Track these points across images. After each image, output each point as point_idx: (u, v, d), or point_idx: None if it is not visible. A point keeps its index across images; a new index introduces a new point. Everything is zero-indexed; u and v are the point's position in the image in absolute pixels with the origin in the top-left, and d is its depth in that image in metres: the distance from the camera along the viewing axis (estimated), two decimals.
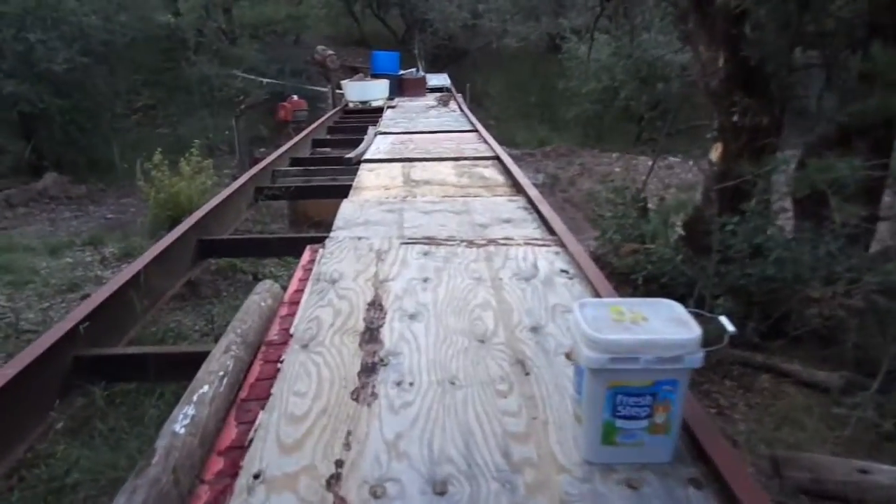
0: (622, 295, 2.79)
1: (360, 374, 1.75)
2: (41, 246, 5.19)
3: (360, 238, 2.80)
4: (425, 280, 2.35)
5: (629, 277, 4.89)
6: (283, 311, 2.16)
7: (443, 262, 2.52)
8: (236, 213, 3.79)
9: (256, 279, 3.82)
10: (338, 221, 3.13)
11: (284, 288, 2.36)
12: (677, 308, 1.44)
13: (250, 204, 4.08)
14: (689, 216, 5.20)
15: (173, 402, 1.98)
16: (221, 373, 1.62)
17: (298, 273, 2.49)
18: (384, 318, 2.07)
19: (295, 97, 13.30)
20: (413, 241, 2.75)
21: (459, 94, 11.17)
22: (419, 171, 4.44)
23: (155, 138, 13.53)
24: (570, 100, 13.32)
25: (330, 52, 15.19)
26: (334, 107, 10.05)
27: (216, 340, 2.17)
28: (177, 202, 5.30)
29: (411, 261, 2.54)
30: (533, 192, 3.55)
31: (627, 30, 10.53)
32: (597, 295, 2.22)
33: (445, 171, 4.43)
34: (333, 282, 2.35)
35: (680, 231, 5.42)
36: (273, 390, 1.67)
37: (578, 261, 2.52)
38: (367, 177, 4.28)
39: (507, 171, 4.34)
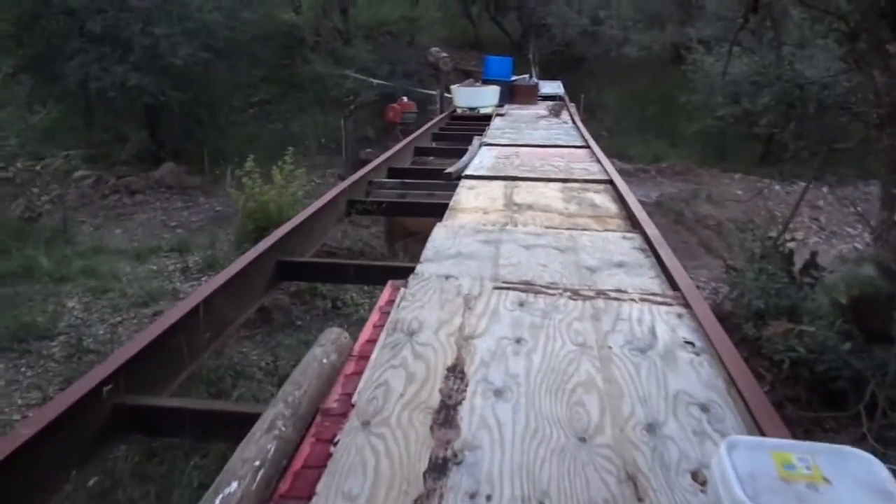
0: (759, 381, 2.30)
1: (427, 473, 1.40)
2: (130, 249, 5.20)
3: (448, 277, 2.46)
4: (518, 341, 1.98)
5: (771, 357, 4.19)
6: (350, 367, 1.85)
7: (541, 318, 2.14)
8: (323, 229, 3.56)
9: (335, 307, 3.60)
10: (426, 251, 2.81)
11: (358, 333, 2.06)
12: (876, 466, 1.00)
13: (340, 219, 3.85)
14: (859, 291, 4.33)
15: (218, 465, 1.72)
16: (258, 462, 1.32)
17: (374, 317, 2.18)
18: (465, 391, 1.71)
19: (405, 99, 13.24)
20: (508, 287, 2.38)
21: (573, 104, 10.67)
22: (523, 192, 4.06)
23: (268, 133, 13.88)
24: (692, 114, 12.47)
25: (443, 54, 15.03)
26: (442, 111, 9.83)
27: (279, 385, 1.90)
28: (265, 212, 5.17)
29: (504, 312, 2.17)
30: (651, 231, 3.09)
31: (774, 45, 9.58)
32: (732, 384, 1.77)
33: (551, 194, 4.03)
34: (412, 333, 2.02)
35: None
36: (318, 488, 1.35)
37: (707, 330, 2.06)
38: (465, 196, 3.95)
39: (621, 199, 3.88)
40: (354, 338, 2.05)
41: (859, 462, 1.01)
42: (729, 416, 1.64)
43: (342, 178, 12.39)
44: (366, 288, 3.91)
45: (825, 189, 11.26)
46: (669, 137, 13.75)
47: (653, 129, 14.14)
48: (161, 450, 2.12)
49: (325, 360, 1.77)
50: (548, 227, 3.22)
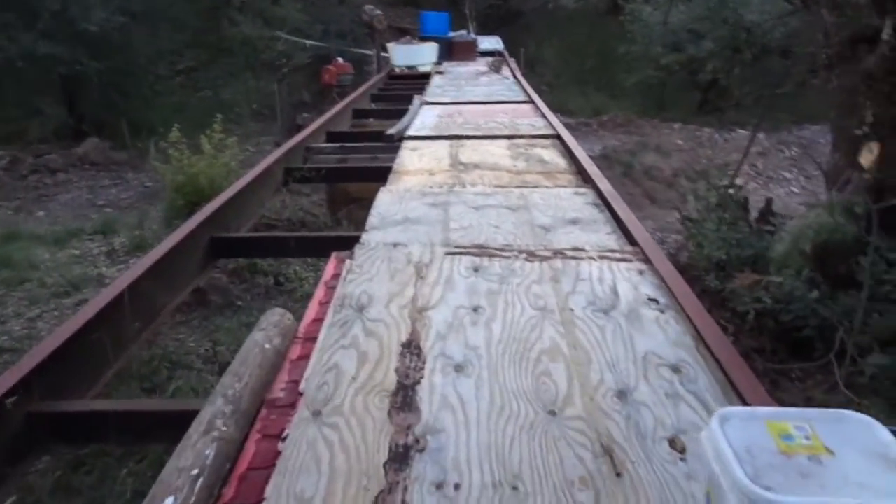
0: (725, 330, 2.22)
1: (387, 464, 1.27)
2: (49, 233, 4.80)
3: (396, 245, 2.31)
4: (475, 309, 1.86)
5: (734, 308, 4.07)
6: (296, 351, 1.70)
7: (498, 283, 2.02)
8: (260, 201, 3.34)
9: (278, 283, 3.40)
10: (371, 218, 2.65)
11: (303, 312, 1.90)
12: (878, 430, 0.92)
13: (278, 189, 3.63)
14: (822, 239, 4.18)
15: (155, 470, 1.56)
16: (195, 470, 1.17)
17: (319, 293, 2.02)
18: (423, 368, 1.59)
19: (340, 60, 12.79)
20: (461, 252, 2.25)
21: (513, 59, 10.50)
22: (468, 151, 3.91)
23: (197, 102, 13.24)
24: (631, 66, 12.46)
25: (378, 11, 14.56)
26: (379, 71, 9.52)
27: (220, 373, 1.74)
28: (196, 186, 4.84)
29: (458, 279, 2.05)
30: (604, 185, 3.00)
31: None
32: (701, 341, 1.69)
33: (498, 151, 3.89)
34: (361, 309, 1.87)
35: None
36: (267, 491, 1.21)
37: (670, 285, 1.99)
38: (409, 157, 3.78)
39: (569, 154, 3.78)
40: (300, 318, 1.89)
41: (859, 427, 0.92)
42: (701, 375, 1.56)
43: (278, 146, 11.94)
44: (310, 261, 3.71)
45: (761, 135, 11.46)
46: (609, 90, 13.73)
47: (592, 81, 14.09)
48: (89, 457, 1.93)
49: (267, 346, 1.61)
50: (497, 186, 3.09)
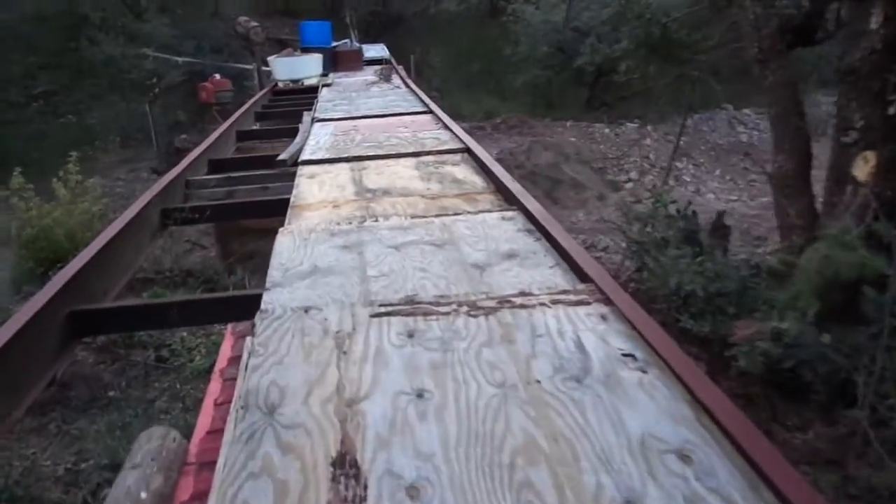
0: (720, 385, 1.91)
1: None
2: None
3: (307, 309, 1.88)
4: (420, 395, 1.47)
5: (721, 354, 3.66)
6: (187, 490, 1.25)
7: (440, 351, 1.64)
8: (132, 254, 2.79)
9: (160, 359, 2.84)
10: (272, 272, 2.20)
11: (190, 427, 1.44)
12: None
13: (155, 235, 3.08)
14: (853, 276, 3.54)
15: None
16: None
17: (214, 388, 1.57)
18: (364, 499, 1.18)
19: (217, 76, 12.02)
20: (388, 311, 1.85)
21: (401, 66, 10.16)
22: (373, 174, 3.51)
23: (59, 129, 12.06)
24: (518, 67, 12.44)
25: (254, 23, 13.84)
26: (261, 87, 8.90)
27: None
28: (51, 240, 4.08)
29: (391, 351, 1.65)
30: (533, 205, 2.69)
31: None
32: (701, 408, 1.38)
33: (406, 172, 3.51)
34: (272, 410, 1.44)
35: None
36: None
37: (644, 333, 1.68)
38: (307, 187, 3.33)
39: (484, 170, 3.46)
40: (190, 428, 1.44)
41: None
42: (717, 463, 1.25)
43: (156, 172, 11.04)
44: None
45: (649, 127, 11.74)
46: (498, 92, 13.69)
47: (481, 84, 14.01)
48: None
49: (143, 495, 1.16)
50: (414, 217, 2.71)
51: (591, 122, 12.03)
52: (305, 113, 5.67)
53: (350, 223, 2.66)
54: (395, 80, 8.40)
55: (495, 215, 2.70)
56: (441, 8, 15.03)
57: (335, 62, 10.04)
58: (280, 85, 8.25)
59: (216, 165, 4.30)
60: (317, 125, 5.20)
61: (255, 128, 5.97)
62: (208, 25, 13.51)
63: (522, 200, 2.77)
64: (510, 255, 2.28)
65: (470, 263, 2.22)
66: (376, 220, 2.68)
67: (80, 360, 2.82)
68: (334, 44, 10.82)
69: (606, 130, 11.66)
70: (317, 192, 3.22)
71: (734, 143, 11.56)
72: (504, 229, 2.53)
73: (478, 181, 3.31)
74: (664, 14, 7.59)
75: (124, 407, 2.51)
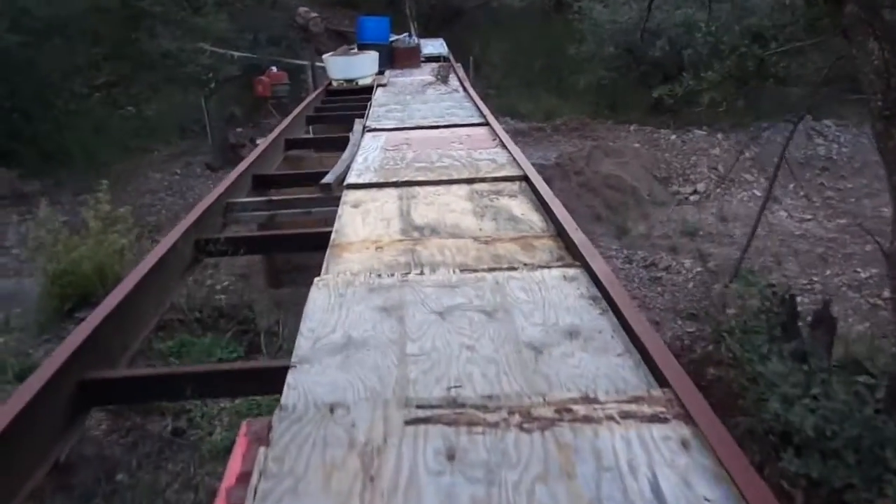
0: None
1: None
2: None
3: (332, 408, 1.61)
4: None
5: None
6: None
7: (485, 483, 1.36)
8: (158, 298, 2.60)
9: (177, 434, 2.64)
10: (301, 341, 1.95)
11: None
12: None
13: (185, 271, 2.88)
14: None
15: None
16: None
17: None
18: None
19: (274, 69, 11.96)
20: (426, 417, 1.57)
21: (459, 64, 9.85)
22: (422, 204, 3.24)
23: (118, 120, 12.20)
24: (581, 66, 11.96)
25: (313, 14, 13.77)
26: (315, 84, 8.75)
27: None
28: (79, 274, 3.86)
29: (426, 481, 1.37)
30: (598, 264, 2.37)
31: None
32: None
33: (459, 204, 3.23)
34: None
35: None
36: None
37: (734, 474, 1.35)
38: (350, 219, 3.08)
39: (544, 206, 3.14)
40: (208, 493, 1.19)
41: None
42: None
43: (210, 168, 11.04)
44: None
45: (719, 135, 11.13)
46: (559, 91, 13.24)
47: (541, 83, 13.56)
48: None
49: None
50: (464, 269, 2.42)
51: (656, 126, 11.48)
52: (357, 120, 5.44)
53: (392, 274, 2.40)
54: (453, 81, 8.10)
55: (555, 273, 2.38)
56: (503, 2, 14.63)
57: (392, 59, 9.80)
58: (334, 84, 8.06)
59: (260, 182, 4.10)
60: (368, 136, 4.96)
61: (304, 136, 5.77)
62: (267, 17, 13.45)
63: (587, 256, 2.45)
64: (572, 333, 1.97)
65: (524, 342, 1.92)
66: (421, 273, 2.40)
67: (89, 430, 2.64)
68: (392, 38, 10.59)
69: (673, 137, 11.10)
70: (359, 227, 2.97)
71: (811, 156, 10.85)
72: (565, 293, 2.22)
73: (536, 221, 3.00)
74: (761, 47, 6.97)
75: (132, 492, 2.30)
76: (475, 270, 2.41)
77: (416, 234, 2.85)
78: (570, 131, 11.55)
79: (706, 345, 4.55)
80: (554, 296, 2.20)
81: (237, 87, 11.93)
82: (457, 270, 2.42)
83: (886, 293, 7.18)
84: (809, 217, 9.54)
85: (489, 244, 2.72)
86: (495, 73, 13.92)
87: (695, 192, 9.80)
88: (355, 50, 9.71)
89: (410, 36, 11.57)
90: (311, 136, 5.95)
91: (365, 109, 6.18)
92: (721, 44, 9.01)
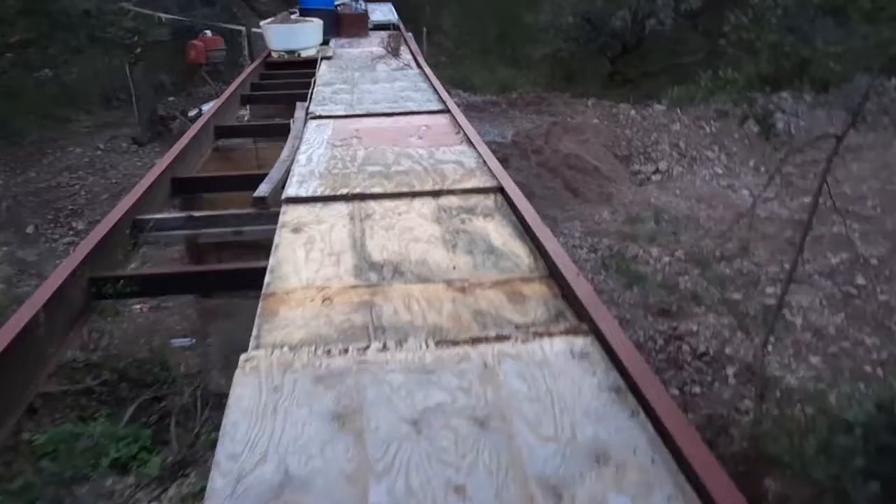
0: None
1: None
2: None
3: None
4: None
5: None
6: None
7: None
8: (31, 369, 1.95)
9: None
10: (217, 480, 1.37)
11: None
12: None
13: (75, 321, 2.22)
14: None
15: None
16: None
17: None
18: None
19: (208, 33, 10.97)
20: None
21: (409, 34, 9.12)
22: (380, 230, 2.64)
23: (34, 85, 11.01)
24: (538, 36, 11.36)
25: None
26: (251, 54, 7.91)
27: None
28: None
29: None
30: (611, 325, 1.84)
31: None
32: None
33: (424, 229, 2.65)
34: None
35: None
36: None
37: None
38: (290, 250, 2.46)
39: (527, 231, 2.60)
40: None
41: None
42: None
43: (136, 142, 10.06)
44: None
45: (679, 110, 10.75)
46: (514, 61, 12.63)
47: (496, 52, 12.92)
48: None
49: None
50: (440, 341, 1.86)
51: (614, 101, 11.01)
52: (299, 105, 4.75)
53: (346, 349, 1.81)
54: (405, 54, 7.40)
55: (559, 345, 1.84)
56: None
57: (338, 27, 8.99)
58: (274, 56, 7.25)
59: (180, 186, 3.41)
60: (312, 125, 4.30)
61: (237, 124, 5.04)
62: None
63: (596, 317, 1.92)
64: (598, 456, 1.45)
65: (535, 476, 1.39)
66: (384, 347, 1.83)
67: None
68: (337, 3, 9.75)
69: (632, 112, 10.66)
70: (301, 263, 2.36)
71: (770, 130, 10.58)
72: (577, 382, 1.69)
73: (521, 254, 2.44)
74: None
75: None
76: (455, 343, 1.85)
77: (373, 277, 2.26)
78: (525, 105, 10.98)
79: (732, 440, 4.13)
80: (563, 387, 1.67)
81: (168, 53, 10.89)
82: (431, 342, 1.85)
83: (860, 280, 6.94)
84: (772, 196, 9.28)
85: (467, 292, 2.16)
86: (447, 41, 13.18)
87: (657, 170, 9.42)
88: (297, 15, 8.87)
89: (357, 1, 10.75)
90: (244, 122, 5.23)
91: (308, 87, 5.48)
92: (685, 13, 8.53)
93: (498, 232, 2.62)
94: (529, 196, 9.23)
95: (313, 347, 1.82)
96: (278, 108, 5.75)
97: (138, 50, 9.25)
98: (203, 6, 11.51)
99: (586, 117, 10.55)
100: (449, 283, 2.22)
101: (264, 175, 3.35)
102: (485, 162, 3.43)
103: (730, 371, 5.52)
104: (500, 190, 3.04)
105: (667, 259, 7.08)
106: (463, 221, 2.72)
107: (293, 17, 8.49)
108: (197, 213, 2.90)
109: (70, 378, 2.80)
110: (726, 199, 8.61)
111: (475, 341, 1.85)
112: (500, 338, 1.87)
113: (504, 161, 9.17)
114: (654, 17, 9.29)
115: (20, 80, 10.87)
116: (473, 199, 2.96)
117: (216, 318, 4.62)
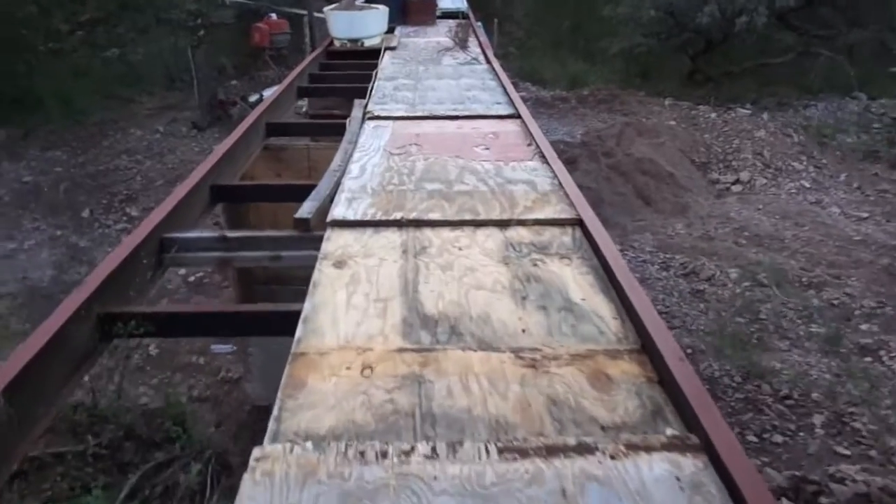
0: None
1: None
2: None
3: None
4: None
5: None
6: None
7: None
8: (24, 425, 1.65)
9: None
10: None
11: None
12: None
13: (81, 363, 1.91)
14: None
15: None
16: None
17: None
18: None
19: (273, 16, 10.75)
20: None
21: (479, 24, 8.67)
22: (436, 269, 2.25)
23: (100, 65, 11.04)
24: (615, 30, 10.71)
25: None
26: (313, 41, 7.60)
27: None
28: None
29: None
30: (726, 437, 1.40)
31: None
32: None
33: (488, 271, 2.24)
34: None
35: None
36: None
37: None
38: (330, 292, 2.09)
39: (613, 282, 2.15)
40: None
41: None
42: None
43: (196, 127, 9.92)
44: None
45: (765, 116, 9.98)
46: (587, 56, 12.00)
47: (568, 44, 12.31)
48: None
49: None
50: (504, 448, 1.45)
51: (693, 102, 10.28)
52: (357, 103, 4.39)
53: (384, 452, 1.42)
54: (473, 46, 6.96)
55: (661, 469, 1.40)
56: None
57: (405, 13, 8.62)
58: (336, 44, 6.92)
59: (220, 194, 3.09)
60: (368, 127, 3.94)
61: (290, 121, 4.71)
62: None
63: (705, 421, 1.48)
64: None
65: None
66: (433, 454, 1.42)
67: None
68: None
69: (713, 115, 9.93)
70: (342, 312, 1.98)
71: (864, 140, 9.72)
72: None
73: (605, 313, 2.01)
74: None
75: None
76: (524, 453, 1.43)
77: (425, 338, 1.87)
78: (597, 103, 10.38)
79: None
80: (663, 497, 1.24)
81: (232, 35, 10.74)
82: (493, 448, 1.44)
83: None
84: (865, 215, 8.49)
85: (539, 368, 1.75)
86: (518, 31, 12.63)
87: (737, 181, 8.72)
88: (361, 1, 8.53)
89: None
90: (298, 119, 4.90)
91: (370, 80, 5.12)
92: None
93: (577, 282, 2.19)
94: (598, 202, 8.70)
95: (344, 445, 1.44)
96: (338, 101, 5.42)
97: (201, 32, 9.11)
98: None
99: (662, 118, 9.88)
100: (517, 352, 1.81)
101: (313, 186, 3.00)
102: (561, 184, 2.99)
103: (817, 420, 4.94)
104: (580, 223, 2.60)
105: (747, 282, 6.49)
106: (535, 264, 2.30)
107: (359, 1, 8.15)
108: (231, 234, 2.55)
109: (69, 430, 2.53)
110: (815, 217, 7.88)
111: (550, 452, 1.43)
112: (583, 449, 1.44)
113: (572, 162, 8.65)
114: (746, 13, 8.56)
115: (88, 59, 10.90)
116: (548, 234, 2.53)
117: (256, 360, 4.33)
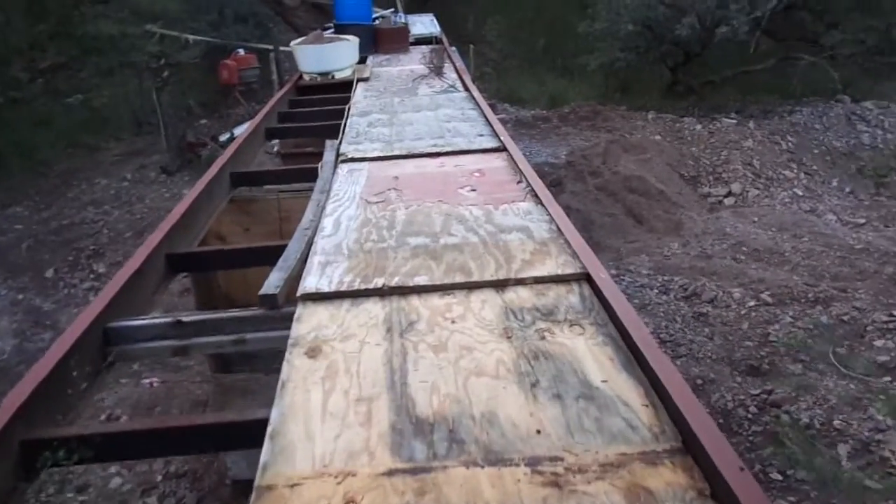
0: None
1: None
2: None
3: None
4: None
5: None
6: None
7: None
8: None
9: None
10: None
11: None
12: None
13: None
14: None
15: None
16: None
17: None
18: None
19: (241, 52, 10.45)
20: None
21: (453, 48, 8.41)
22: (428, 354, 1.91)
23: (64, 111, 10.64)
24: (591, 45, 10.51)
25: None
26: (280, 76, 7.29)
27: None
28: None
29: None
30: None
31: None
32: None
33: (488, 349, 1.90)
34: None
35: None
36: None
37: None
38: (301, 392, 1.74)
39: (636, 354, 1.82)
40: None
41: None
42: None
43: (165, 171, 9.56)
44: None
45: (751, 124, 9.78)
46: (565, 73, 11.79)
47: (545, 62, 12.09)
48: None
49: None
50: None
51: (677, 114, 10.08)
52: (329, 145, 4.07)
53: None
54: (449, 72, 6.68)
55: None
56: None
57: (376, 42, 8.36)
58: (306, 78, 6.62)
59: (178, 264, 2.73)
60: (343, 171, 3.62)
61: (256, 170, 4.36)
62: None
63: None
64: None
65: None
66: None
67: None
68: (375, 15, 9.11)
69: (698, 127, 9.71)
70: (317, 421, 1.63)
71: (854, 145, 9.53)
72: None
73: (632, 399, 1.67)
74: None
75: None
76: None
77: (420, 451, 1.52)
78: (579, 120, 10.14)
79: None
80: None
81: (200, 74, 10.40)
82: None
83: None
84: (863, 221, 8.26)
85: (563, 487, 1.40)
86: (492, 52, 12.42)
87: (729, 193, 8.48)
88: (331, 30, 8.25)
89: (397, 13, 10.08)
90: (269, 159, 4.56)
91: (341, 118, 4.82)
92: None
93: (594, 356, 1.86)
94: (588, 225, 8.36)
95: None
96: (310, 141, 5.10)
97: (165, 73, 8.78)
98: (236, 24, 10.99)
99: (647, 133, 9.65)
100: (533, 465, 1.46)
101: (282, 247, 2.66)
102: (559, 229, 2.66)
103: (842, 450, 4.61)
104: (587, 278, 2.27)
105: (751, 302, 6.19)
106: (542, 336, 1.96)
107: (328, 33, 7.86)
108: (186, 317, 2.20)
109: None
110: (812, 227, 7.63)
111: None
112: None
113: (558, 184, 8.37)
114: (726, 23, 8.38)
115: (50, 107, 10.53)
116: (552, 294, 2.20)
117: (234, 395, 3.98)
